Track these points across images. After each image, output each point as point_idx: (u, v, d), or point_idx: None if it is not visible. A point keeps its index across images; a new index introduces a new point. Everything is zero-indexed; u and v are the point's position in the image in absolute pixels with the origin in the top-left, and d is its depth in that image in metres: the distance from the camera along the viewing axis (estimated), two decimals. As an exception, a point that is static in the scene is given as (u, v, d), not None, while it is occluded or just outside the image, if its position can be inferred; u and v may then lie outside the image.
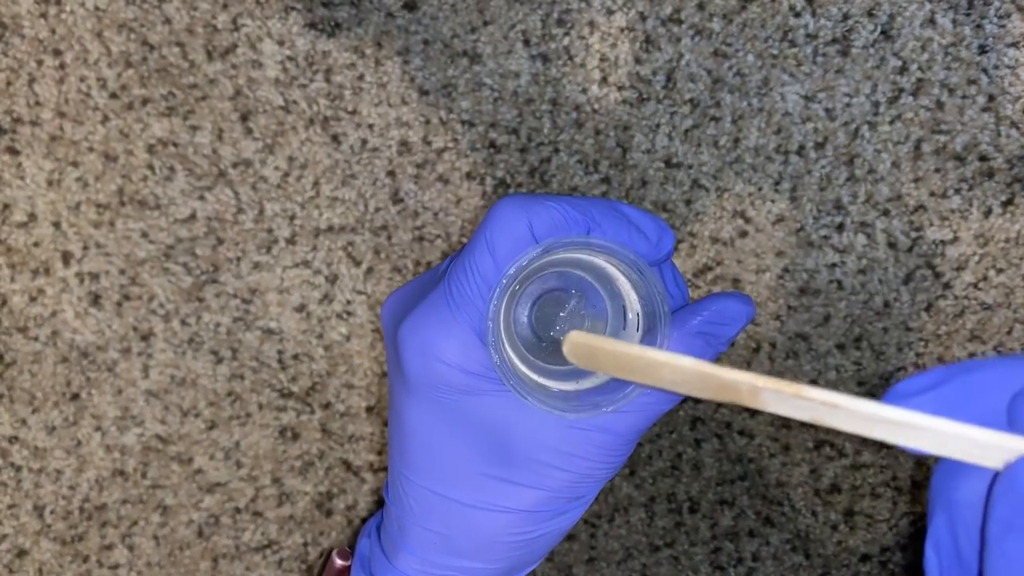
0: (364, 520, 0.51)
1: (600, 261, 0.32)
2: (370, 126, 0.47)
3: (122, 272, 0.48)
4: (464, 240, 0.48)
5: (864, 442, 0.48)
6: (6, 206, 0.48)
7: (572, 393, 0.31)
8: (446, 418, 0.30)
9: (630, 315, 0.32)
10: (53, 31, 0.47)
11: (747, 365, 0.48)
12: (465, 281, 0.29)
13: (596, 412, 0.30)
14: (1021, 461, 0.19)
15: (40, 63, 0.47)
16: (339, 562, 0.37)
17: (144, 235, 0.48)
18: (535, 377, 0.32)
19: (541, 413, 0.30)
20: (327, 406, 0.50)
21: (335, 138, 0.47)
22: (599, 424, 0.30)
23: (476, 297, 0.29)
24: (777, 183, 0.46)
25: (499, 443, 0.31)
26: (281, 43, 0.46)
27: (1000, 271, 0.46)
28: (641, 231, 0.30)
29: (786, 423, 0.48)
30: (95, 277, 0.48)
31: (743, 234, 0.47)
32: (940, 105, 0.44)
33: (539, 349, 0.32)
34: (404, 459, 0.32)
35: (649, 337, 0.30)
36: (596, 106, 0.46)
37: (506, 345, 0.31)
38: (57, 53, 0.47)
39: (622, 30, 0.45)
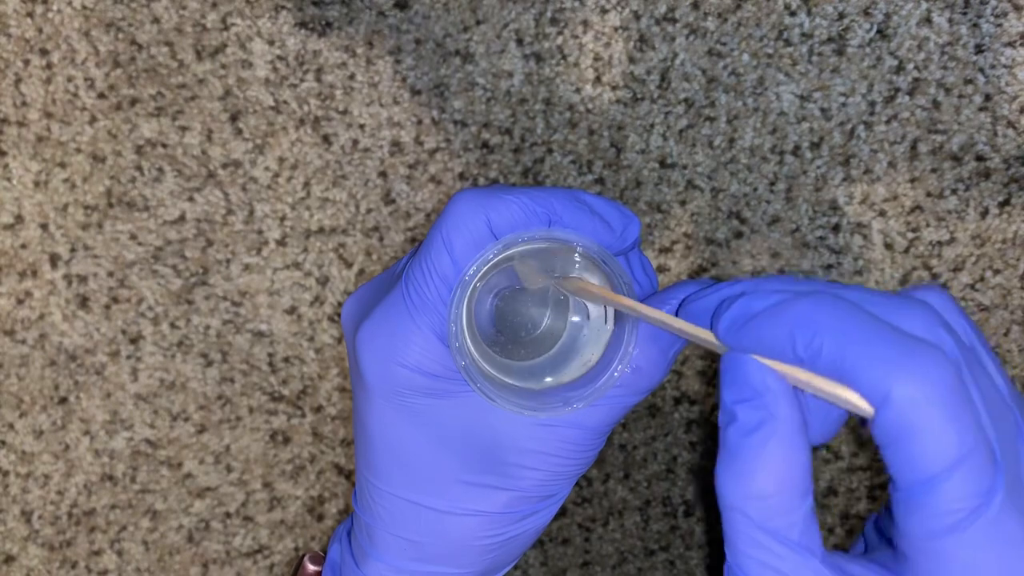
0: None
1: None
2: (361, 126, 0.46)
3: (110, 274, 0.48)
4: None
5: (861, 445, 0.48)
6: (-8, 207, 0.47)
7: (540, 391, 0.31)
8: (410, 423, 0.30)
9: (595, 306, 0.31)
10: (40, 30, 0.46)
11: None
12: (423, 281, 0.29)
13: (567, 409, 0.29)
14: (726, 356, 0.23)
15: (27, 63, 0.46)
16: (311, 567, 0.37)
17: (133, 237, 0.47)
18: (501, 377, 0.31)
19: (509, 413, 0.29)
20: (318, 409, 0.49)
21: (326, 138, 0.46)
22: (569, 420, 0.30)
23: (435, 298, 0.28)
24: (772, 183, 0.45)
25: (467, 446, 0.30)
26: (271, 42, 0.46)
27: (997, 272, 0.45)
28: (605, 220, 0.30)
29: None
30: (83, 279, 0.48)
31: (738, 235, 0.46)
32: (936, 105, 0.44)
33: (502, 345, 0.32)
34: (369, 465, 0.31)
35: (617, 326, 0.30)
36: (590, 106, 0.45)
37: (469, 345, 0.30)
38: (44, 53, 0.46)
39: (616, 29, 0.45)
